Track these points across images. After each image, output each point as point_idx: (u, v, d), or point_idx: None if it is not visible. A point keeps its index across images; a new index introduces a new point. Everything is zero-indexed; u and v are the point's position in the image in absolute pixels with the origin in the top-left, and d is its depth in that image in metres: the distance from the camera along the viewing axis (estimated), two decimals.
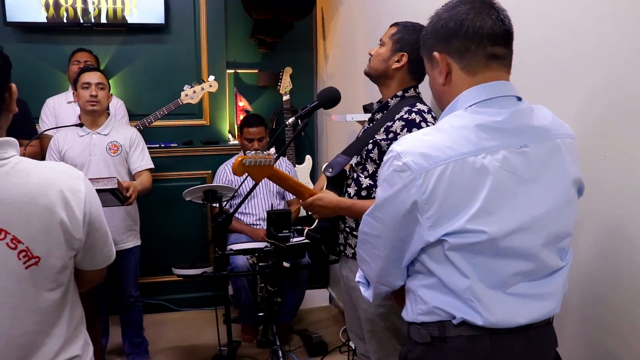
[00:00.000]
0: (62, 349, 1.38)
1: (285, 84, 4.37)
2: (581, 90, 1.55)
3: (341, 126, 3.88)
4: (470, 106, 1.21)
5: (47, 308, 1.34)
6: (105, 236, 1.47)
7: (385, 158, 1.23)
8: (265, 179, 1.97)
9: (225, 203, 3.05)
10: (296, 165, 4.30)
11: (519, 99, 1.25)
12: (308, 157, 4.43)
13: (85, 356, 1.46)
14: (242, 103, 4.42)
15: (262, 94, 4.53)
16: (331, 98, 2.16)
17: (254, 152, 1.86)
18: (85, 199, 1.36)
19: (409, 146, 1.18)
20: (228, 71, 4.42)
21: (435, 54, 1.26)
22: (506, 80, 1.25)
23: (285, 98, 4.36)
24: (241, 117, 4.41)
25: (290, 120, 2.12)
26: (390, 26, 2.11)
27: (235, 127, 4.44)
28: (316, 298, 4.34)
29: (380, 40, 2.10)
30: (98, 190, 2.33)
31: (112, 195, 2.51)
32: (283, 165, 3.93)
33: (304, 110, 2.11)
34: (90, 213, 1.38)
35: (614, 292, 1.46)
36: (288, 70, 4.39)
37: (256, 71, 4.50)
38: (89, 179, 2.55)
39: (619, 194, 1.43)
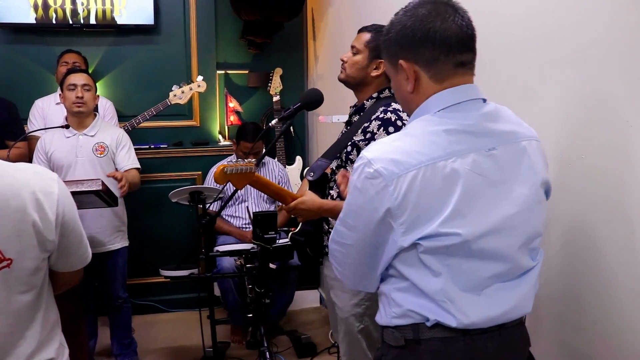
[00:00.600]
0: (37, 351, 1.38)
1: (276, 85, 4.37)
2: (559, 92, 1.55)
3: (331, 127, 3.88)
4: (438, 111, 1.21)
5: (19, 310, 1.34)
6: (79, 238, 1.46)
7: (355, 165, 1.22)
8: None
9: (209, 205, 3.05)
10: (286, 166, 4.30)
11: (484, 100, 1.26)
12: (298, 158, 4.43)
13: (60, 359, 1.45)
14: (233, 104, 4.42)
15: (253, 94, 4.53)
16: (314, 100, 2.16)
17: (234, 160, 1.88)
18: (58, 200, 1.36)
19: (379, 153, 1.18)
20: (218, 72, 4.41)
21: (402, 62, 1.24)
22: (471, 83, 1.26)
23: (275, 99, 4.36)
24: (231, 117, 4.42)
25: (273, 122, 2.12)
26: (360, 31, 2.11)
27: (226, 127, 4.44)
28: (307, 299, 4.34)
29: (353, 46, 2.09)
30: (82, 192, 2.36)
31: (97, 197, 2.50)
32: (271, 166, 3.94)
33: (286, 112, 2.12)
34: (63, 214, 1.37)
35: (585, 292, 1.47)
36: (278, 71, 4.39)
37: (246, 72, 4.49)
38: (73, 180, 2.60)
39: (594, 196, 1.43)
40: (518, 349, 1.28)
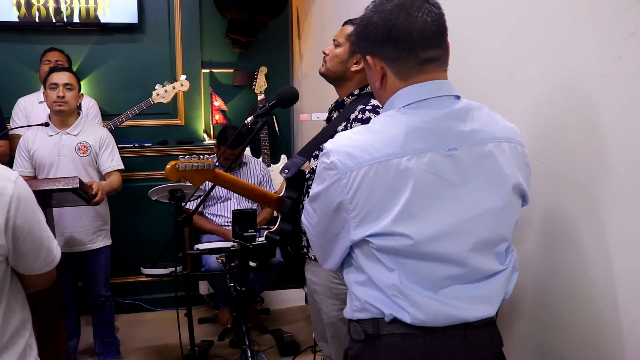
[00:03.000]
0: None
1: (261, 84, 4.37)
2: (527, 88, 1.55)
3: (316, 125, 3.88)
4: (402, 107, 1.20)
5: None
6: (39, 242, 1.37)
7: (320, 154, 1.23)
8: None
9: (185, 203, 3.04)
10: (271, 165, 4.30)
11: (458, 97, 1.23)
12: (283, 157, 4.44)
13: None
14: (218, 102, 4.42)
15: (238, 93, 4.53)
16: (289, 97, 2.14)
17: (189, 156, 1.84)
18: (10, 202, 1.26)
19: (337, 145, 1.18)
20: (203, 71, 4.42)
21: (369, 58, 1.23)
22: (443, 78, 1.23)
23: (260, 97, 4.37)
24: (217, 116, 4.42)
25: (249, 119, 2.11)
26: (344, 24, 2.08)
27: (211, 126, 4.44)
28: (291, 297, 4.34)
29: (335, 40, 2.07)
30: (59, 190, 2.36)
31: (76, 195, 2.50)
32: (252, 165, 3.93)
33: (262, 109, 2.11)
34: (15, 217, 1.27)
35: (559, 291, 1.47)
36: (263, 70, 4.40)
37: (231, 70, 4.50)
38: (51, 178, 2.59)
39: (561, 192, 1.44)
40: (485, 349, 1.25)
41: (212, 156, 1.89)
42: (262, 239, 2.72)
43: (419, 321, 1.17)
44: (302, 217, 1.36)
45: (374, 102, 1.94)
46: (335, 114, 2.11)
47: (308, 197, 1.30)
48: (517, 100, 1.60)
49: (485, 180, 1.19)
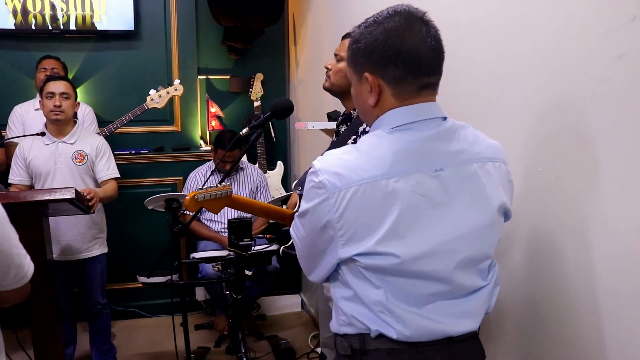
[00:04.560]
0: None
1: (257, 90, 4.39)
2: (519, 105, 1.57)
3: (312, 133, 3.90)
4: (392, 128, 1.21)
5: None
6: (9, 259, 1.34)
7: (308, 172, 1.24)
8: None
9: (183, 211, 3.05)
10: (267, 172, 4.32)
11: (444, 118, 1.25)
12: (280, 163, 4.45)
13: None
14: (214, 109, 4.43)
15: (234, 100, 4.54)
16: (283, 108, 2.15)
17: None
18: None
19: (326, 164, 1.19)
20: (199, 77, 4.42)
21: (368, 75, 1.22)
22: (433, 101, 1.24)
23: (256, 104, 4.38)
24: (213, 123, 4.42)
25: (244, 130, 2.12)
26: (344, 38, 2.10)
27: (207, 133, 4.45)
28: (288, 303, 4.36)
29: (337, 54, 2.09)
30: (55, 201, 2.37)
31: (72, 205, 2.51)
32: (249, 171, 3.96)
33: (257, 120, 2.12)
34: None
35: (545, 304, 1.49)
36: (259, 77, 4.41)
37: (228, 77, 4.51)
38: (46, 189, 2.60)
39: (550, 209, 1.46)
40: None
41: (228, 183, 1.91)
42: (258, 247, 2.75)
43: (405, 337, 1.19)
44: (291, 229, 1.37)
45: None
46: (343, 127, 2.13)
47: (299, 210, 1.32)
48: (507, 117, 1.62)
49: (471, 200, 1.21)
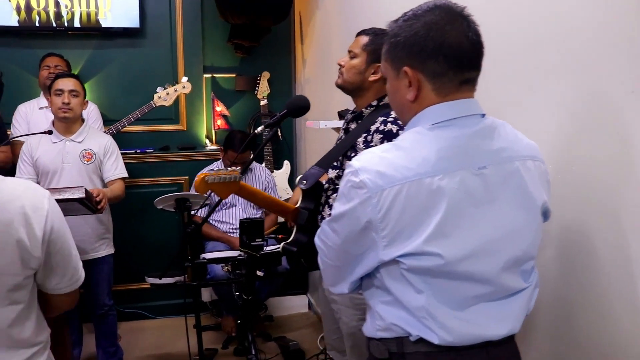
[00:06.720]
0: None
1: (263, 89, 4.34)
2: (549, 102, 1.53)
3: (320, 132, 3.86)
4: (432, 124, 1.17)
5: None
6: (68, 258, 1.42)
7: (345, 172, 1.20)
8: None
9: (195, 212, 3.01)
10: (274, 171, 4.28)
11: (483, 115, 1.23)
12: (286, 163, 4.41)
13: None
14: (220, 108, 4.38)
15: (240, 98, 4.50)
16: (300, 106, 2.12)
17: (220, 166, 1.83)
18: (47, 217, 1.33)
19: (366, 163, 1.15)
20: (205, 75, 4.38)
21: (407, 69, 1.19)
22: (472, 97, 1.22)
23: (263, 103, 4.33)
24: (219, 122, 4.38)
25: (259, 128, 2.08)
26: (358, 35, 2.06)
27: (213, 132, 4.40)
28: (295, 304, 4.33)
29: (350, 51, 2.05)
30: (65, 200, 2.33)
31: (81, 205, 2.47)
32: (257, 171, 3.92)
33: (273, 119, 2.08)
34: (51, 232, 1.34)
35: (579, 306, 1.45)
36: (266, 75, 4.36)
37: (234, 75, 4.46)
38: (56, 188, 2.56)
39: (585, 209, 1.42)
40: None
41: (237, 168, 1.88)
42: (270, 247, 2.70)
43: (447, 342, 1.16)
44: (316, 238, 1.33)
45: (394, 114, 1.93)
46: (353, 125, 2.09)
47: (329, 217, 1.27)
48: (539, 114, 1.58)
49: (512, 199, 1.19)
